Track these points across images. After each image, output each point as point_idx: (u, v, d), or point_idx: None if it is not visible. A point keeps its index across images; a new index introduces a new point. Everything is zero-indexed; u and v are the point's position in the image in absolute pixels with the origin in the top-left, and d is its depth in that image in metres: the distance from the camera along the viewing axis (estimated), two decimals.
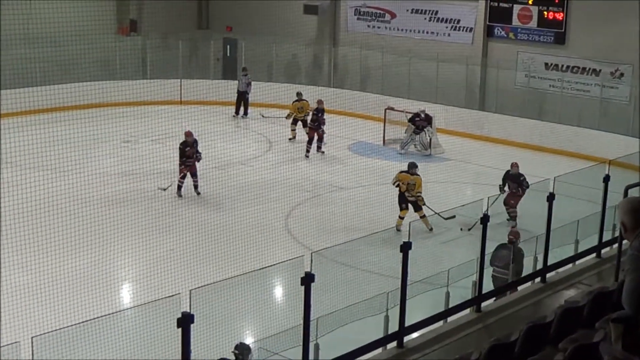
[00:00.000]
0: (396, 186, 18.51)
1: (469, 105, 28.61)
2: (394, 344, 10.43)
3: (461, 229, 17.33)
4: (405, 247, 10.28)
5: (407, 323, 10.51)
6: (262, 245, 16.70)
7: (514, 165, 18.98)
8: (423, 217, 18.03)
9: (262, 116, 27.63)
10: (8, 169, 19.98)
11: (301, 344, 9.41)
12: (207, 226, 17.66)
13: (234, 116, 29.27)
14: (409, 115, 25.59)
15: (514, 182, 18.70)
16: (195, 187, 20.21)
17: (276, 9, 32.82)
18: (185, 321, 8.23)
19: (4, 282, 13.53)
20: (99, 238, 16.50)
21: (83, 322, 10.32)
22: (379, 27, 31.78)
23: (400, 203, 18.49)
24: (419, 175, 18.61)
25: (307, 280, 9.19)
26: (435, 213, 17.58)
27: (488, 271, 11.84)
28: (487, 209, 12.35)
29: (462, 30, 29.69)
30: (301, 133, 25.66)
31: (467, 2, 29.28)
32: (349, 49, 32.09)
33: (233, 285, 10.92)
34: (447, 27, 30.07)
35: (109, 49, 31.48)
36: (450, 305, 11.36)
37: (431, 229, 17.88)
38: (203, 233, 17.11)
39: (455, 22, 29.82)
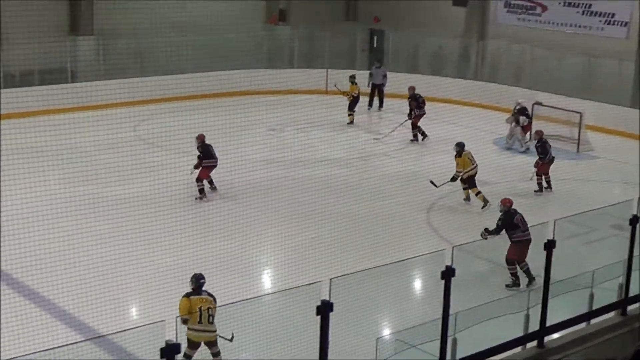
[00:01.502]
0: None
1: (622, 102, 27.71)
2: (534, 343, 10.29)
3: (431, 182, 19.39)
4: (549, 246, 10.11)
5: (549, 323, 10.33)
6: (403, 238, 16.66)
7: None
8: (465, 188, 19.48)
9: (335, 86, 27.43)
10: (160, 153, 20.64)
11: (439, 337, 9.37)
12: (349, 216, 17.75)
13: (368, 109, 29.21)
14: (555, 110, 25.03)
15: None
16: (211, 183, 19.39)
17: (425, 1, 32.65)
18: (324, 309, 8.30)
19: (155, 261, 14.02)
20: (243, 223, 16.81)
21: (226, 304, 10.59)
22: (529, 20, 31.21)
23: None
24: (461, 155, 19.53)
25: (448, 274, 9.16)
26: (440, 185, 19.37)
27: (636, 273, 11.47)
28: (637, 210, 11.96)
29: (617, 24, 28.81)
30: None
31: None
32: (497, 42, 31.62)
33: (373, 275, 10.96)
34: (600, 21, 29.24)
35: (258, 38, 32.05)
36: (594, 307, 11.09)
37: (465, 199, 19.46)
38: (345, 223, 17.22)
39: (610, 16, 28.96)
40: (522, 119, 24.75)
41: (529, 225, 14.14)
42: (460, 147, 19.72)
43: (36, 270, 13.83)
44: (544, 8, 30.77)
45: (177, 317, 8.50)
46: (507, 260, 14.13)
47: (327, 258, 14.58)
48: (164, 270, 14.23)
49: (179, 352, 7.29)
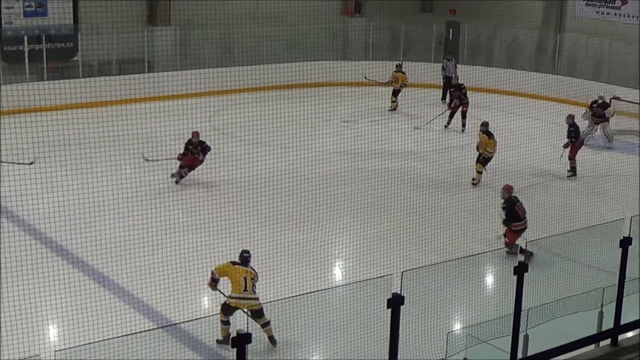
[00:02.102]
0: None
1: None
2: (607, 341, 10.15)
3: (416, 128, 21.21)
4: (625, 243, 9.98)
5: (623, 321, 10.19)
6: (476, 232, 16.58)
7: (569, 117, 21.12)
8: (480, 172, 19.89)
9: (365, 78, 27.37)
10: (235, 143, 20.85)
11: (510, 333, 9.32)
12: (421, 209, 17.71)
13: (442, 101, 29.07)
14: (634, 105, 24.60)
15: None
16: (181, 177, 19.07)
17: None
18: (395, 302, 8.31)
19: (228, 250, 14.18)
20: (316, 214, 16.90)
21: (297, 295, 10.67)
22: (608, 13, 30.67)
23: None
24: (486, 134, 19.85)
25: (520, 270, 9.09)
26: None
27: None
28: None
29: None
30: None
31: None
32: (575, 35, 31.15)
33: (444, 269, 10.95)
34: None
35: (334, 29, 32.07)
36: None
37: (474, 182, 19.90)
38: (418, 215, 17.19)
39: None
40: (609, 110, 24.25)
41: (606, 221, 13.95)
42: (487, 126, 20.16)
43: (111, 258, 14.12)
44: (624, 1, 30.20)
45: (248, 308, 8.59)
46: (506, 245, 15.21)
47: (399, 251, 14.59)
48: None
49: (249, 342, 7.37)
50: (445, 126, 25.25)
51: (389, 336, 8.51)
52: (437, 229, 16.14)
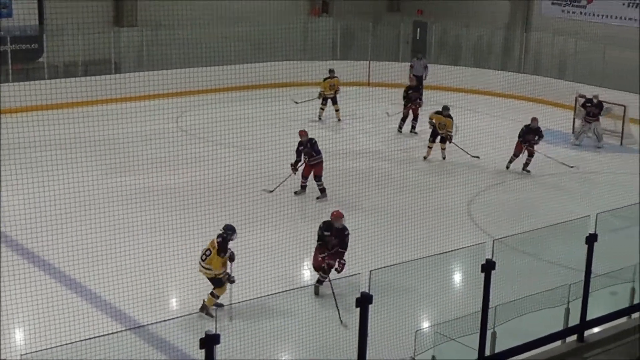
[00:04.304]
0: (431, 125, 22.05)
1: None
2: (573, 337, 10.23)
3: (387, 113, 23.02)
4: (591, 239, 10.06)
5: (589, 317, 10.27)
6: (443, 230, 16.63)
7: (534, 120, 21.48)
8: (444, 149, 22.06)
9: (295, 102, 25.98)
10: (201, 144, 20.78)
11: (478, 331, 9.36)
12: (390, 208, 17.75)
13: None
14: (582, 100, 24.83)
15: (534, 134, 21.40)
16: (321, 190, 18.84)
17: None
18: (364, 301, 8.32)
19: (194, 251, 14.13)
20: (284, 214, 16.89)
21: (264, 295, 10.65)
22: (574, 12, 30.91)
23: (430, 137, 22.16)
24: (451, 117, 21.96)
25: (488, 267, 9.14)
26: (463, 150, 21.76)
27: None
28: None
29: None
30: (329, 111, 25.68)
31: None
32: (541, 34, 31.38)
33: (412, 268, 10.96)
34: None
35: (301, 29, 32.06)
36: (635, 302, 11.00)
37: (444, 158, 21.99)
38: (386, 214, 17.23)
39: None
40: (606, 108, 24.58)
41: (570, 219, 14.04)
42: (449, 110, 22.10)
43: (78, 261, 14.02)
44: (589, 0, 30.47)
45: (214, 308, 8.53)
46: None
47: (368, 250, 14.60)
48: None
49: (218, 342, 7.37)
50: (399, 130, 24.93)
51: (357, 335, 8.51)
52: (405, 228, 16.18)
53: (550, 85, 28.10)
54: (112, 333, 9.90)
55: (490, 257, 9.29)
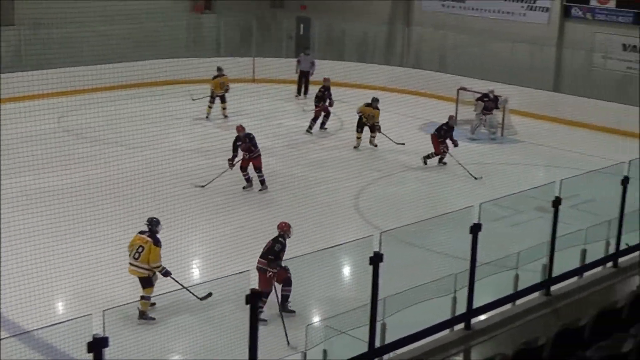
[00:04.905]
0: (359, 116, 23.02)
1: (544, 86, 28.16)
2: (461, 325, 10.40)
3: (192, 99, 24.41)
4: (475, 229, 10.24)
5: (475, 305, 10.46)
6: (331, 225, 16.72)
7: (452, 118, 22.41)
8: (373, 137, 23.06)
9: (193, 99, 25.84)
10: (85, 144, 20.37)
11: (368, 323, 9.43)
12: (276, 204, 17.76)
13: (296, 96, 29.15)
14: (478, 95, 25.42)
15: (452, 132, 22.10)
16: (262, 182, 19.23)
17: None
18: (253, 298, 8.27)
19: (86, 254, 13.86)
20: (171, 213, 16.70)
21: (155, 295, 10.50)
22: (453, 7, 31.49)
23: (357, 128, 23.17)
24: (378, 109, 23.04)
25: (376, 259, 9.21)
26: (390, 139, 22.71)
27: (559, 254, 11.68)
28: (559, 192, 12.18)
29: (538, 10, 29.26)
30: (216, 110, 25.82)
31: None
32: (422, 28, 31.87)
33: (301, 263, 10.98)
34: (522, 7, 29.67)
35: (184, 27, 31.76)
36: (519, 288, 11.26)
37: (375, 145, 23.02)
38: (272, 211, 17.21)
39: (532, 2, 29.39)
40: (502, 100, 25.24)
41: (456, 209, 14.30)
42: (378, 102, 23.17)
43: None
44: None
45: (104, 310, 8.37)
46: None
47: (255, 248, 14.55)
48: (90, 263, 14.09)
49: (106, 346, 7.23)
50: (308, 132, 24.69)
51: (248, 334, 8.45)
52: (293, 223, 16.19)
53: (432, 78, 28.57)
54: None
55: (377, 249, 9.37)
